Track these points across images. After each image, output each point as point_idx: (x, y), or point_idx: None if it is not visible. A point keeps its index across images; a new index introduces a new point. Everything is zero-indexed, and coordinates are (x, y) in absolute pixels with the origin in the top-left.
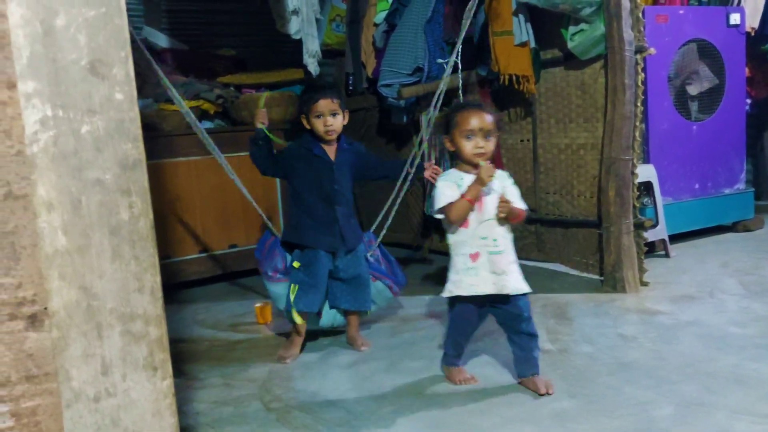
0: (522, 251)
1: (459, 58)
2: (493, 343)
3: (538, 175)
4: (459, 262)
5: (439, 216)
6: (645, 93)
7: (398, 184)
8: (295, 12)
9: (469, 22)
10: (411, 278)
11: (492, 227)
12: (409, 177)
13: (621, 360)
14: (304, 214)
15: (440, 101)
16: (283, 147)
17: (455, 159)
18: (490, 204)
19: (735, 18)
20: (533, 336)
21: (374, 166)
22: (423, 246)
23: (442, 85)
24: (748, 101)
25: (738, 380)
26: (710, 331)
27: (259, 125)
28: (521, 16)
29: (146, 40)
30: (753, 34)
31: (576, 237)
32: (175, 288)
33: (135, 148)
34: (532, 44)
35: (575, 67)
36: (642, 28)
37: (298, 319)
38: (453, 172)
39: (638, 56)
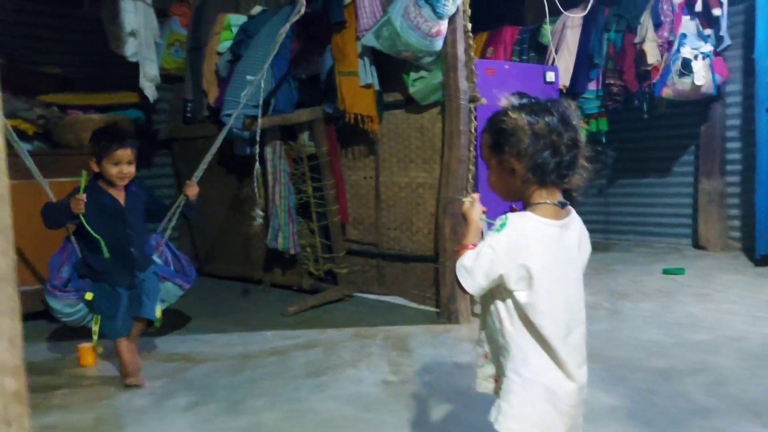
0: (364, 285)
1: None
2: None
3: (381, 212)
4: None
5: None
6: (477, 139)
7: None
8: (133, 34)
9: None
10: (251, 313)
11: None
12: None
13: (457, 387)
14: (97, 257)
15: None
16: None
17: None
18: None
19: (550, 76)
20: None
21: (157, 211)
22: (264, 280)
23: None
24: None
25: None
26: None
27: (79, 212)
28: (366, 59)
29: None
30: (564, 91)
31: (414, 271)
32: None
33: None
34: (376, 87)
35: (415, 111)
36: (474, 80)
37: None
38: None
39: (471, 105)
